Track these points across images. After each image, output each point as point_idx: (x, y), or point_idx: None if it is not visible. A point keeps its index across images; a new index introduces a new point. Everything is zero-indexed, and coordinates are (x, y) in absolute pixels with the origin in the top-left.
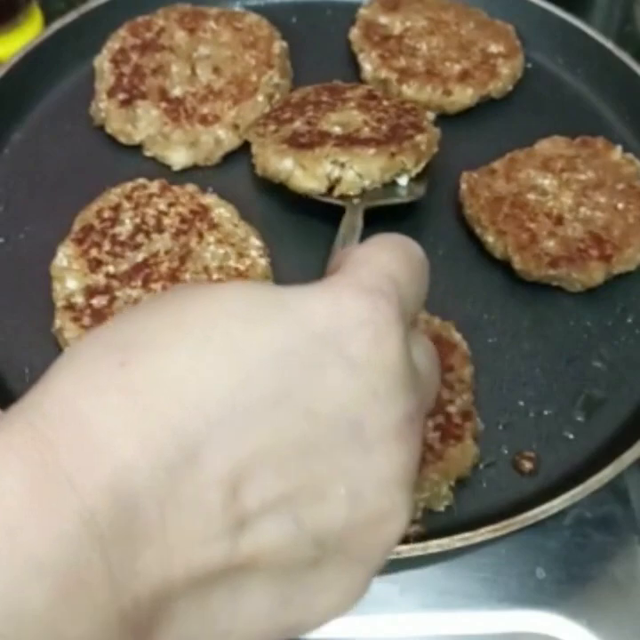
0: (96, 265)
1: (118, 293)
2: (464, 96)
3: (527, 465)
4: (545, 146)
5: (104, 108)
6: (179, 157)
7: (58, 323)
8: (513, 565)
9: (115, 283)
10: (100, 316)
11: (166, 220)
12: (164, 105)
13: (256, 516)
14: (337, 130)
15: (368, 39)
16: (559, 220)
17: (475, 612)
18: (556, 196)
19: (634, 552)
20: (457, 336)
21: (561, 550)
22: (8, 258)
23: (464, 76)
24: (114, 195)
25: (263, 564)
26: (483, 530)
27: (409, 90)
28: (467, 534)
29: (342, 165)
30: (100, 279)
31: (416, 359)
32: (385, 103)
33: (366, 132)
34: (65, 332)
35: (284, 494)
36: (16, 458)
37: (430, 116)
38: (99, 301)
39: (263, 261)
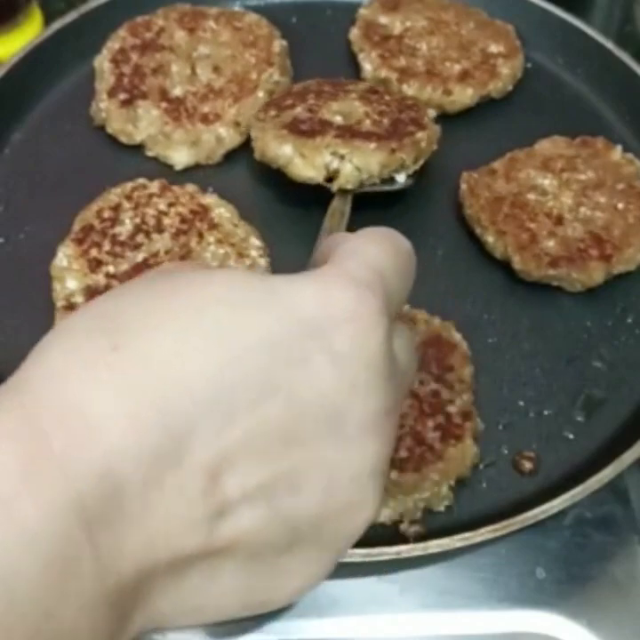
0: (96, 265)
1: None
2: (464, 96)
3: (527, 465)
4: (545, 146)
5: (105, 108)
6: (180, 157)
7: (58, 323)
8: (513, 565)
9: (115, 283)
10: None
11: (166, 220)
12: (164, 105)
13: (236, 503)
14: (338, 119)
15: (368, 39)
16: (559, 220)
17: (475, 611)
18: (555, 196)
19: (634, 552)
20: (457, 336)
21: (561, 550)
22: (8, 258)
23: (464, 76)
24: (114, 195)
25: (239, 548)
26: (483, 530)
27: (409, 89)
28: (467, 534)
29: (342, 157)
30: (100, 279)
31: (397, 351)
32: (387, 98)
33: (367, 124)
34: None
35: (264, 482)
36: (7, 438)
37: (431, 113)
38: None
39: (263, 261)
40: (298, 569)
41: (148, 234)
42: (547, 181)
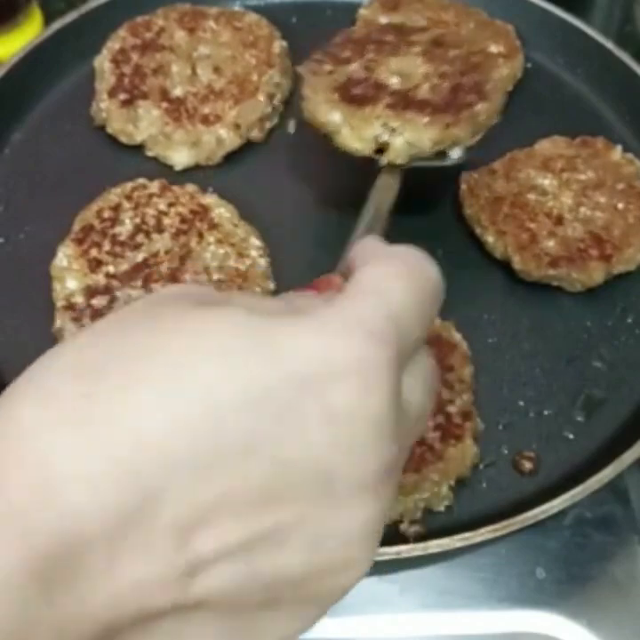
0: (96, 265)
1: (118, 293)
2: None
3: (527, 465)
4: (545, 146)
5: (105, 108)
6: (180, 157)
7: (58, 323)
8: (513, 565)
9: (115, 283)
10: (100, 316)
11: (166, 220)
12: (165, 105)
13: (211, 562)
14: (395, 81)
15: None
16: (559, 220)
17: (475, 611)
18: (555, 196)
19: (634, 552)
20: (457, 336)
21: (561, 550)
22: (8, 258)
23: None
24: (114, 195)
25: (214, 604)
26: (483, 530)
27: None
28: (467, 534)
29: (393, 130)
30: (100, 279)
31: (408, 395)
32: (451, 53)
33: (425, 90)
34: (65, 331)
35: (242, 541)
36: None
37: (501, 72)
38: (99, 301)
39: (263, 261)
40: (276, 625)
41: (148, 234)
42: (547, 181)
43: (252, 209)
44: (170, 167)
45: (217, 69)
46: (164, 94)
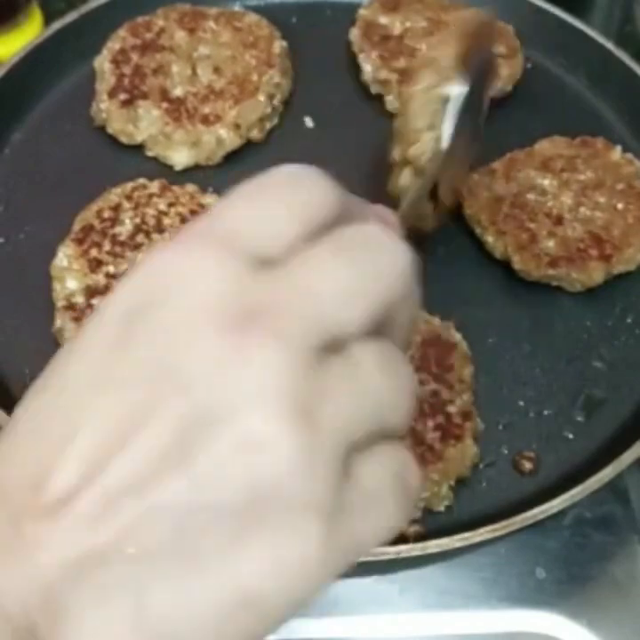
0: (96, 265)
1: None
2: None
3: (527, 465)
4: (545, 146)
5: (105, 108)
6: (180, 157)
7: (58, 323)
8: (513, 565)
9: (115, 283)
10: None
11: (166, 220)
12: (165, 105)
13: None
14: None
15: (368, 39)
16: (559, 220)
17: (475, 611)
18: (555, 196)
19: (634, 552)
20: (457, 336)
21: (561, 550)
22: (8, 258)
23: None
24: (114, 195)
25: None
26: (482, 530)
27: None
28: (466, 534)
29: None
30: (100, 279)
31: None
32: None
33: None
34: (65, 332)
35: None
36: None
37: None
38: (99, 301)
39: None
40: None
41: (148, 234)
42: (546, 181)
43: None
44: (170, 167)
45: (217, 69)
46: (164, 94)
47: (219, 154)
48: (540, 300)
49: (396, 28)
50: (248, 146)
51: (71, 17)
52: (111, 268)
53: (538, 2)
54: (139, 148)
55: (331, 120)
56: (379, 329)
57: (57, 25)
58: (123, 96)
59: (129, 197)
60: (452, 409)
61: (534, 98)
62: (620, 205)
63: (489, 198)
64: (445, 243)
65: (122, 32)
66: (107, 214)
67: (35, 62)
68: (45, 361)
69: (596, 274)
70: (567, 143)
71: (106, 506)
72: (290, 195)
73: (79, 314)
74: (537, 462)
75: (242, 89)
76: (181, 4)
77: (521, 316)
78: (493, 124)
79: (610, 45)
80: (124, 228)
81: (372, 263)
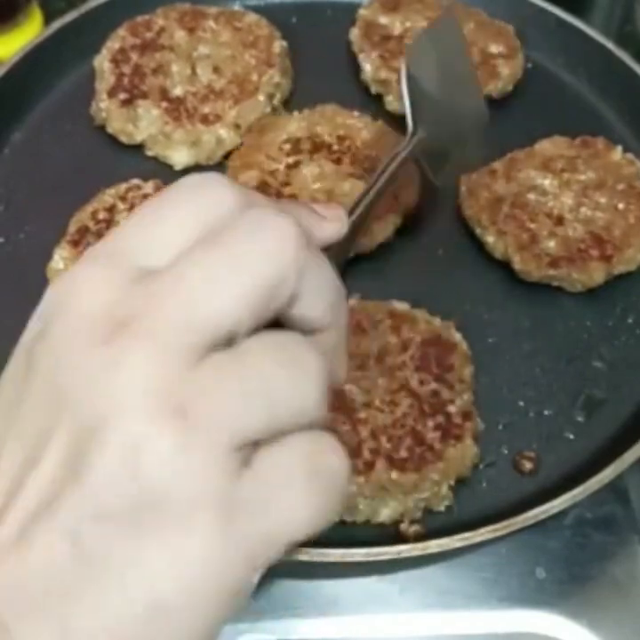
0: None
1: None
2: None
3: (527, 465)
4: (545, 146)
5: (105, 107)
6: (180, 157)
7: None
8: (513, 565)
9: None
10: None
11: None
12: (165, 104)
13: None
14: None
15: (368, 39)
16: (559, 221)
17: (475, 611)
18: (556, 197)
19: (634, 552)
20: (457, 336)
21: (561, 550)
22: (8, 258)
23: None
24: (108, 196)
25: None
26: (483, 530)
27: None
28: (467, 534)
29: None
30: None
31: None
32: None
33: None
34: None
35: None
36: None
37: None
38: None
39: None
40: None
41: None
42: (547, 181)
43: None
44: (170, 167)
45: (217, 69)
46: (164, 94)
47: (218, 153)
48: (540, 300)
49: (396, 28)
50: None
51: (71, 16)
52: None
53: (538, 2)
54: (139, 148)
55: None
56: (284, 316)
57: (57, 24)
58: (122, 95)
59: (123, 198)
60: (452, 409)
61: (534, 98)
62: (620, 206)
63: (489, 198)
64: (445, 243)
65: (121, 31)
66: (102, 216)
67: (35, 62)
68: None
69: (596, 274)
70: (568, 143)
71: (19, 533)
72: (184, 203)
73: None
74: (537, 462)
75: (242, 89)
76: (181, 3)
77: (521, 316)
78: (493, 124)
79: (610, 45)
80: None
81: (245, 247)
